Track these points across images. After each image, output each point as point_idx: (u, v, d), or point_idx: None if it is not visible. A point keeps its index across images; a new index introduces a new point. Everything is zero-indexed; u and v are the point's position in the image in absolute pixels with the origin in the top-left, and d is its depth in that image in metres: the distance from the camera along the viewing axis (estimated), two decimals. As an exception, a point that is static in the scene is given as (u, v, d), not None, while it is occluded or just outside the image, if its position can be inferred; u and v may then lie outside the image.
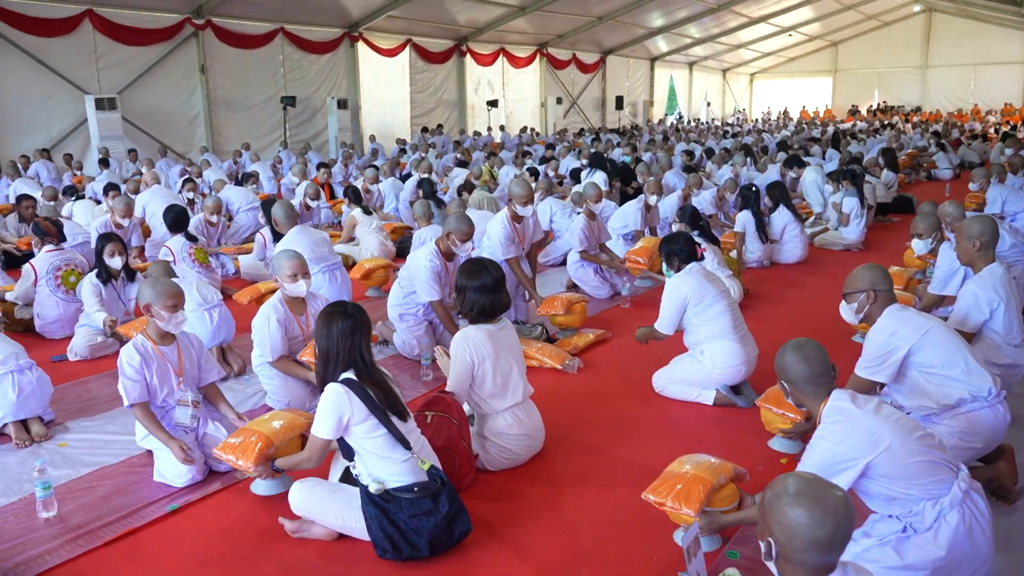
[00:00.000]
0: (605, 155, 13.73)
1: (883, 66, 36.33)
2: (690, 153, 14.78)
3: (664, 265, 4.58)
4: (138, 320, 5.34)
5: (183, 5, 15.87)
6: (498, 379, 3.55)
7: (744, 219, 7.62)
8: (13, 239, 7.93)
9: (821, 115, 35.97)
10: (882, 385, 3.41)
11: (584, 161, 12.97)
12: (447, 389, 3.54)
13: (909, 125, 27.43)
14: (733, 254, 7.30)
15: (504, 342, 3.62)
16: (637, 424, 4.17)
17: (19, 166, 12.65)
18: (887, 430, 2.49)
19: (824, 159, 14.38)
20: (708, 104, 37.29)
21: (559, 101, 26.90)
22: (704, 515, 2.85)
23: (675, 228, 6.54)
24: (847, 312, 3.48)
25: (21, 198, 8.53)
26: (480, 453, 3.57)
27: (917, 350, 3.23)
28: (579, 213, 8.60)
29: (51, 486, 3.28)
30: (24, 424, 4.08)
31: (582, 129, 25.99)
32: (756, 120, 35.06)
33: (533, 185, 8.19)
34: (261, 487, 3.43)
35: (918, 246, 5.34)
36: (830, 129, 23.67)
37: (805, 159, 12.37)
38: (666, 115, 33.65)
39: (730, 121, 34.00)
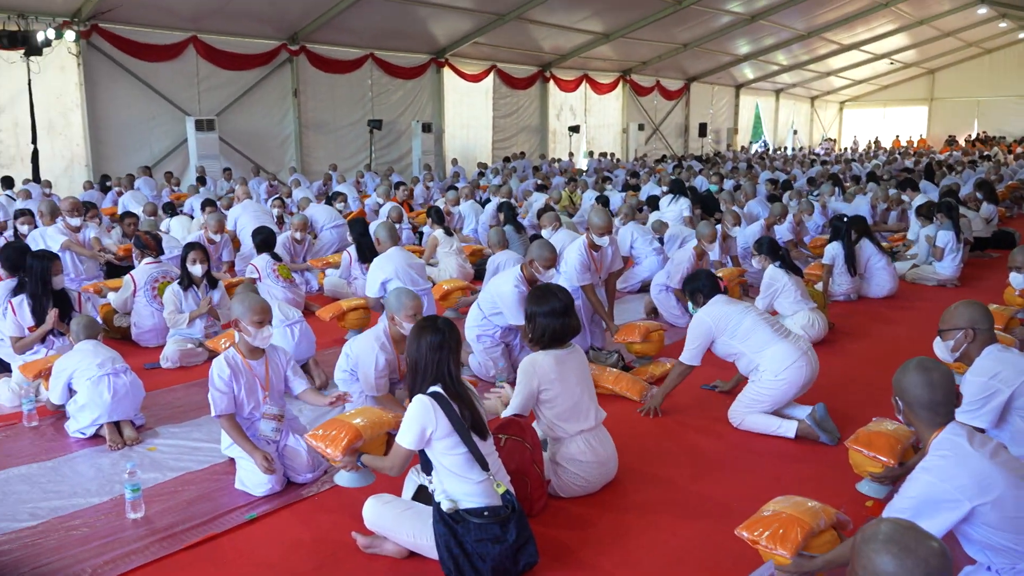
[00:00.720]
0: (687, 183, 13.59)
1: (984, 94, 34.79)
2: (774, 182, 14.44)
3: (690, 304, 4.63)
4: (225, 333, 5.56)
5: (280, 32, 16.61)
6: (567, 403, 3.54)
7: (833, 251, 7.37)
8: (114, 248, 8.39)
9: (915, 145, 34.66)
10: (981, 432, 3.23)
11: (664, 188, 12.87)
12: (507, 413, 3.54)
13: (1011, 156, 26.14)
14: (818, 286, 7.08)
15: (572, 366, 3.61)
16: (713, 457, 4.07)
17: (131, 181, 13.40)
18: (1000, 478, 2.32)
19: (917, 190, 13.83)
20: (795, 132, 36.47)
21: (641, 127, 26.80)
22: (795, 558, 2.73)
23: (754, 261, 6.40)
24: (942, 350, 3.31)
25: (125, 215, 9.05)
26: (552, 479, 3.55)
27: (1021, 394, 3.05)
28: (659, 239, 8.57)
29: (140, 488, 3.43)
30: (117, 427, 4.28)
31: (664, 156, 25.78)
32: (845, 149, 34.07)
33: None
34: (344, 478, 3.48)
35: (1016, 280, 5.07)
36: (924, 160, 22.79)
37: (894, 191, 11.95)
38: (751, 143, 33.07)
39: (817, 151, 33.15)
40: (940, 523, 2.30)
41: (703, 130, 28.85)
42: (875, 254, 7.59)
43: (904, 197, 10.78)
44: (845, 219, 7.62)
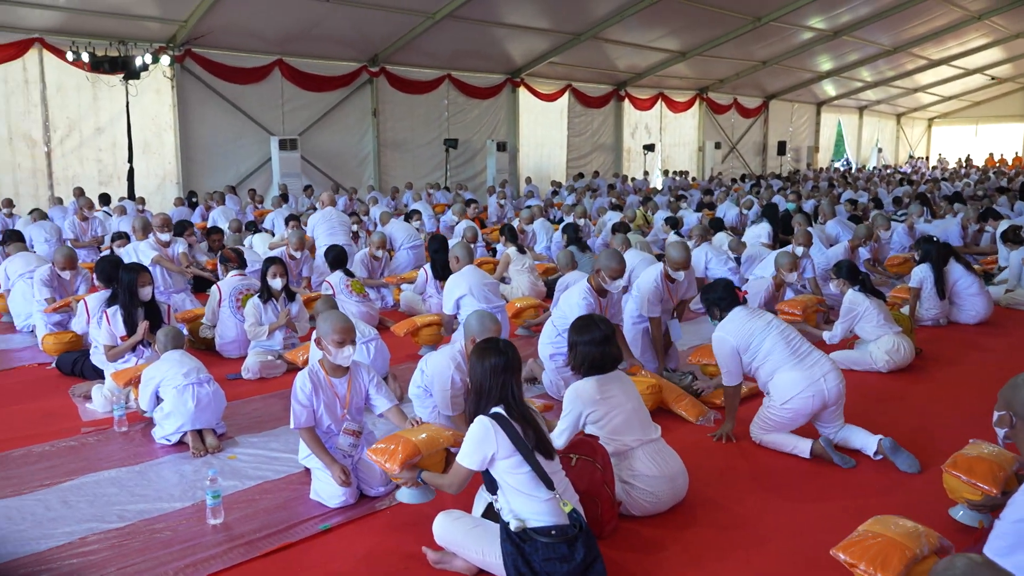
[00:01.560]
0: (766, 201, 13.32)
1: (1087, 110, 32.98)
2: (854, 202, 13.91)
3: (709, 317, 4.55)
4: (302, 346, 5.71)
5: (361, 54, 17.10)
6: (620, 416, 3.56)
7: (922, 273, 7.04)
8: (205, 262, 8.81)
9: (1010, 163, 33.01)
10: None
11: (747, 211, 12.67)
12: (556, 442, 3.47)
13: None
14: (903, 310, 6.80)
15: (616, 385, 3.64)
16: (788, 484, 3.93)
17: (223, 197, 14.00)
18: None
19: (1012, 211, 13.20)
20: (879, 150, 35.27)
21: (718, 146, 26.40)
22: None
23: (832, 285, 6.20)
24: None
25: (211, 231, 9.47)
26: (623, 497, 3.50)
27: None
28: (734, 258, 8.40)
29: (220, 495, 3.55)
30: (200, 435, 4.44)
31: (743, 175, 25.30)
32: (934, 167, 32.73)
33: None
34: (405, 495, 3.52)
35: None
36: (1021, 178, 21.70)
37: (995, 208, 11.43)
38: (832, 161, 32.15)
39: (903, 169, 31.96)
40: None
41: (782, 148, 28.21)
42: (964, 276, 7.17)
43: (988, 228, 10.27)
44: (935, 240, 7.30)
